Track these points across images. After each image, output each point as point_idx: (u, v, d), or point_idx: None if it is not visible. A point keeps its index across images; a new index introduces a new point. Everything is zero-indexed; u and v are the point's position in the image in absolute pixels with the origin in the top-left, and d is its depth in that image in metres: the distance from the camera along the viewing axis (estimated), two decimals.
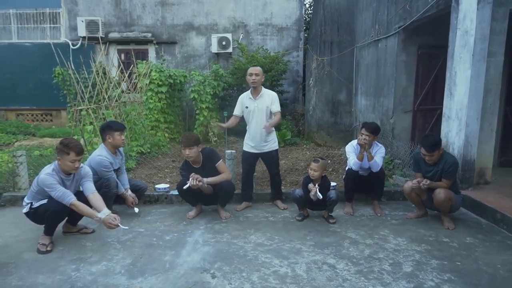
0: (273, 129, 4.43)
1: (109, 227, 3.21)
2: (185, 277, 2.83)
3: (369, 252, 3.25)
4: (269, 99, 4.30)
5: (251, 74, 4.25)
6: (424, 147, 3.73)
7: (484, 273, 2.87)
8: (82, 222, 3.69)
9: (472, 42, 4.18)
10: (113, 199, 4.01)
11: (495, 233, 3.66)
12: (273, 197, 4.58)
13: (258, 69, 4.30)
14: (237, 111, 4.47)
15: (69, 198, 3.20)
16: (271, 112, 4.31)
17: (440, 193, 3.64)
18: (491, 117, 4.55)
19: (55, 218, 3.32)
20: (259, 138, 4.31)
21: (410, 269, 2.93)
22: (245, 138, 4.48)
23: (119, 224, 3.22)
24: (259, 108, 4.28)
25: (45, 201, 3.29)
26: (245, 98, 4.41)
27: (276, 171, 4.52)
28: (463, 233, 3.65)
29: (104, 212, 3.22)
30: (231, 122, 4.51)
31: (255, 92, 4.32)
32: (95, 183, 3.59)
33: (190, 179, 3.75)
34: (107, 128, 4.04)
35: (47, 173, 3.24)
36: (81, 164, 3.46)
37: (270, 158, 4.42)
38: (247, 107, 4.35)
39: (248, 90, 4.46)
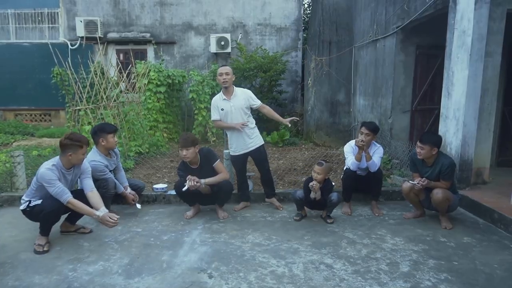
0: (254, 125, 4.33)
1: (105, 225, 3.22)
2: (182, 277, 2.83)
3: (366, 252, 3.25)
4: (245, 97, 4.24)
5: (221, 74, 4.14)
6: (420, 138, 3.81)
7: (481, 273, 2.87)
8: (79, 222, 3.69)
9: (470, 42, 4.18)
10: (111, 199, 4.00)
11: (492, 233, 3.67)
12: (268, 195, 4.53)
13: (228, 69, 4.22)
14: (215, 116, 4.29)
15: (66, 196, 3.20)
16: (251, 109, 4.24)
17: (438, 193, 3.64)
18: (489, 117, 4.56)
19: (50, 219, 3.31)
20: (241, 137, 4.24)
21: (407, 269, 2.94)
22: (229, 143, 4.39)
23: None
24: (235, 107, 4.20)
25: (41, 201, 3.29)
26: (218, 100, 4.27)
27: (267, 167, 4.43)
28: (460, 233, 3.65)
29: (102, 210, 3.23)
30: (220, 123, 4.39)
31: (228, 92, 4.22)
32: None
33: (188, 180, 3.74)
34: (100, 131, 3.97)
35: (47, 168, 3.23)
36: None
37: (259, 155, 4.33)
38: (222, 109, 4.23)
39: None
